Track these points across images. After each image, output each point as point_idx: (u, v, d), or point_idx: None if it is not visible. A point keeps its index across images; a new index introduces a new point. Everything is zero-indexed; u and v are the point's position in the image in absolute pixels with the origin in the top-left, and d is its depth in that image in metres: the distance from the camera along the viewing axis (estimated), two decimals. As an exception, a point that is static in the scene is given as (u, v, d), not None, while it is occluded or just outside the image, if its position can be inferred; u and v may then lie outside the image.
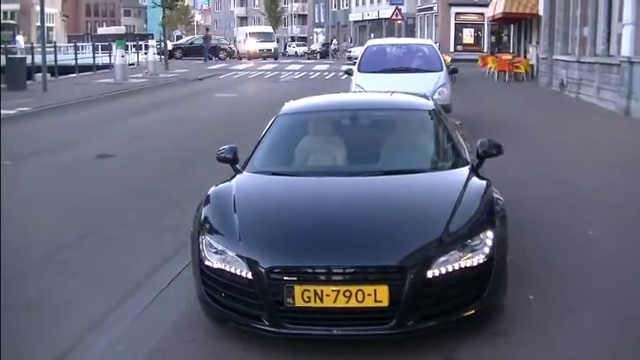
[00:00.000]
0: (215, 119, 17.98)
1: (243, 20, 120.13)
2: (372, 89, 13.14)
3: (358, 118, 6.54)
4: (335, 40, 76.52)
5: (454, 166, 5.82)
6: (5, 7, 52.63)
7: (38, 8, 36.32)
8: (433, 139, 6.33)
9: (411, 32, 60.13)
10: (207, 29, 66.30)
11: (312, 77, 35.36)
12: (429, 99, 7.49)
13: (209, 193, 5.48)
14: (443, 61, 15.83)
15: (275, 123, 6.46)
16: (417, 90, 13.80)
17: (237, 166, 6.01)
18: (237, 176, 5.79)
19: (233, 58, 57.04)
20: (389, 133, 6.26)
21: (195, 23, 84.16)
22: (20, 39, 47.37)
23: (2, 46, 28.34)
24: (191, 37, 66.48)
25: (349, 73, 15.73)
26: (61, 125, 17.87)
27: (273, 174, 5.78)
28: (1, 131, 14.48)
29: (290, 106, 6.80)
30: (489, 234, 4.80)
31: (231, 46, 62.59)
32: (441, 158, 6.10)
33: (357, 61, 15.80)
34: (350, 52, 54.31)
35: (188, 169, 11.38)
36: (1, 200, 8.73)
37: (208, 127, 16.28)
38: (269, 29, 67.91)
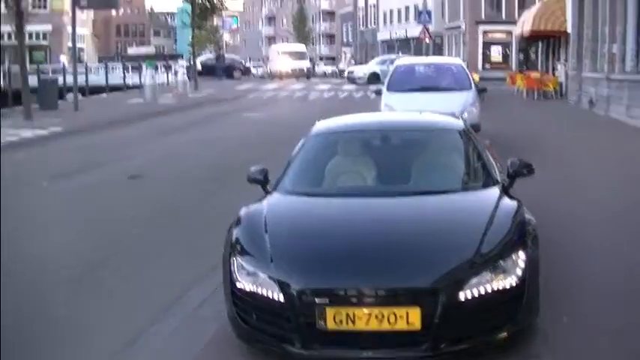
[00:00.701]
0: (245, 139, 17.98)
1: (272, 40, 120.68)
2: (402, 109, 13.18)
3: (389, 139, 6.52)
4: (352, 56, 76.62)
5: (485, 186, 5.77)
6: (37, 27, 53.29)
7: (70, 29, 36.91)
8: (463, 159, 6.30)
9: (438, 51, 60.02)
10: (220, 47, 66.17)
11: (341, 97, 35.24)
12: (458, 118, 7.46)
13: (240, 214, 5.48)
14: (472, 79, 15.77)
15: (305, 143, 6.44)
16: (445, 109, 13.76)
17: (268, 187, 6.00)
18: (268, 197, 5.77)
19: (262, 77, 57.42)
20: (419, 154, 6.23)
21: (224, 43, 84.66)
22: (64, 58, 47.91)
23: (34, 66, 28.70)
24: (204, 56, 66.37)
25: (378, 92, 15.72)
26: (92, 145, 18.01)
27: (304, 195, 5.75)
28: (34, 152, 14.63)
29: (320, 126, 6.77)
30: (521, 255, 4.76)
31: (247, 64, 63.16)
32: (472, 178, 6.06)
33: (387, 80, 15.78)
34: (352, 72, 49.73)
35: (219, 190, 11.38)
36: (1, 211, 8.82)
37: (238, 148, 16.26)
38: (302, 47, 65.74)
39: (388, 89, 15.12)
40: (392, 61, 43.77)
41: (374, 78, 43.11)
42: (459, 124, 6.91)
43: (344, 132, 6.70)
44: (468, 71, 16.28)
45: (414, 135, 6.57)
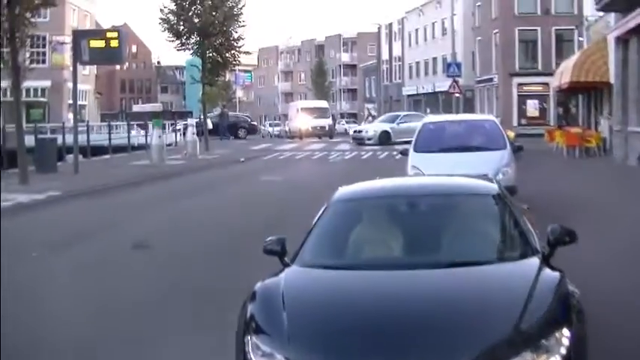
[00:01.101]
0: (260, 206, 17.94)
1: (288, 96, 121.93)
2: (430, 171, 13.22)
3: (417, 205, 6.49)
4: (370, 113, 76.91)
5: (523, 256, 5.71)
6: (36, 83, 54.05)
7: (70, 85, 37.43)
8: (499, 227, 6.25)
9: (469, 106, 60.33)
10: (224, 106, 66.60)
11: (363, 157, 35.35)
12: (492, 181, 7.46)
13: (255, 288, 5.45)
14: (506, 137, 15.80)
15: (327, 211, 6.42)
16: (478, 170, 13.72)
17: (286, 259, 5.96)
18: (286, 270, 5.73)
19: (279, 137, 57.81)
20: (450, 221, 6.21)
21: (237, 99, 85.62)
22: (71, 117, 48.57)
23: (30, 125, 29.06)
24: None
25: (404, 153, 15.76)
26: (92, 212, 18.06)
27: (325, 268, 5.72)
28: (29, 218, 14.68)
29: (343, 192, 6.76)
30: (565, 332, 4.69)
31: (253, 122, 63.76)
32: (508, 248, 6.01)
33: (414, 139, 15.84)
34: (360, 131, 47.27)
35: (232, 262, 11.29)
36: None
37: (253, 215, 16.22)
38: (323, 104, 64.92)
39: (415, 149, 15.18)
40: (406, 118, 43.99)
41: (385, 137, 42.85)
42: (493, 187, 6.89)
43: (368, 199, 6.69)
44: (501, 128, 16.32)
45: (444, 201, 6.55)
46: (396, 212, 6.45)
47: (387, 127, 44.24)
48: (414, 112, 53.30)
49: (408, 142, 16.83)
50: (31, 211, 17.87)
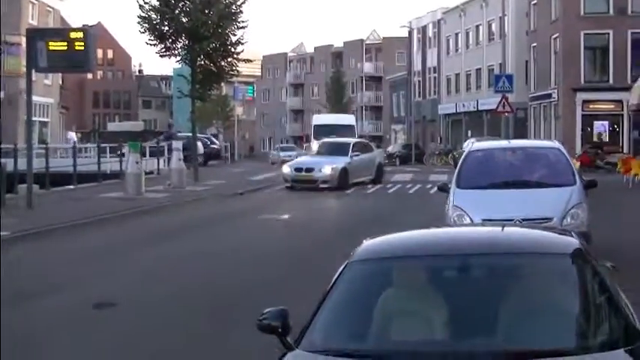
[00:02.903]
0: (259, 256, 17.66)
1: (298, 114, 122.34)
2: (479, 213, 13.09)
3: (467, 268, 6.02)
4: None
5: (616, 343, 5.28)
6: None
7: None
8: (580, 300, 5.79)
9: (521, 127, 60.21)
10: (170, 124, 65.08)
11: (390, 191, 35.32)
12: (569, 234, 6.89)
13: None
14: (575, 170, 15.30)
15: (345, 274, 6.00)
16: (541, 213, 13.41)
17: (289, 339, 5.58)
18: (288, 356, 5.38)
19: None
20: (513, 292, 5.78)
21: (236, 118, 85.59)
22: (74, 135, 48.35)
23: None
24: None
25: (443, 189, 15.31)
26: (48, 258, 17.72)
27: (342, 355, 5.31)
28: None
29: (367, 248, 6.32)
30: None
31: (214, 144, 63.12)
32: (594, 330, 5.56)
33: (456, 172, 15.33)
34: (310, 169, 35.80)
35: (220, 331, 11.01)
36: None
37: (249, 267, 16.02)
38: (348, 119, 62.27)
39: (458, 185, 14.73)
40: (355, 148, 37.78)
41: (345, 177, 35.39)
42: (572, 243, 6.41)
43: (401, 258, 6.22)
44: (569, 158, 15.86)
45: (505, 262, 6.09)
46: (439, 277, 6.05)
47: (342, 162, 35.83)
48: (361, 140, 46.16)
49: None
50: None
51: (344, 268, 6.05)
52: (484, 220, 12.94)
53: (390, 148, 79.65)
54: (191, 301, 12.97)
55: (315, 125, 59.54)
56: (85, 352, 10.08)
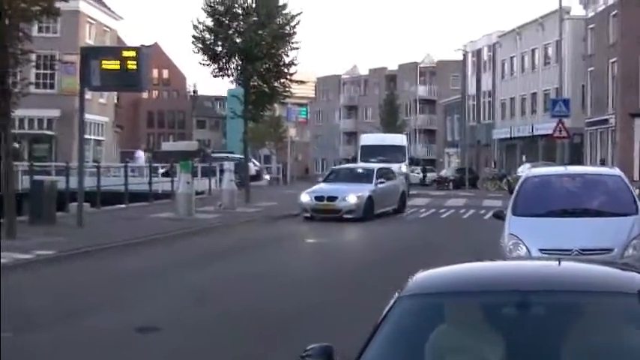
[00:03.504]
0: (308, 280, 17.45)
1: (351, 136, 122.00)
2: (536, 242, 12.73)
3: (525, 306, 5.53)
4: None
5: None
6: (42, 112, 54.51)
7: (86, 116, 37.21)
8: None
9: (576, 153, 59.40)
10: (207, 144, 64.24)
11: (443, 216, 34.90)
12: (633, 270, 6.42)
13: None
14: (637, 199, 14.71)
15: (395, 308, 5.55)
16: (600, 243, 12.96)
17: None
18: None
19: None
20: (574, 331, 5.34)
21: (289, 139, 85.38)
22: (142, 154, 48.20)
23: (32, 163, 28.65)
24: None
25: (499, 216, 14.83)
26: (93, 278, 17.59)
27: None
28: (6, 286, 14.02)
29: (418, 281, 5.83)
30: None
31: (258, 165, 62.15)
32: None
33: (512, 198, 14.85)
34: (333, 198, 32.01)
35: (269, 356, 10.73)
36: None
37: (298, 291, 15.74)
38: (399, 139, 56.82)
39: (515, 212, 14.22)
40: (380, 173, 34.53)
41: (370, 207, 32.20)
42: (637, 280, 5.88)
43: (454, 293, 5.76)
44: (630, 186, 15.27)
45: (565, 299, 5.61)
46: (496, 315, 5.55)
47: (367, 190, 32.56)
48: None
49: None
50: (12, 274, 17.20)
51: (394, 303, 5.63)
52: (541, 249, 12.52)
53: (443, 172, 79.07)
54: (237, 326, 12.65)
55: (362, 146, 54.30)
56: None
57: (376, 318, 5.51)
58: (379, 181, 33.54)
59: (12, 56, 21.59)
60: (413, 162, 51.96)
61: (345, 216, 31.09)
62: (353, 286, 16.22)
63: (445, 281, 5.95)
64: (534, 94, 73.45)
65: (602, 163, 55.25)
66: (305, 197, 32.31)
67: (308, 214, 31.65)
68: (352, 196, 31.60)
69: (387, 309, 5.59)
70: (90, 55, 25.42)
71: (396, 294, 5.68)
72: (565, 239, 12.62)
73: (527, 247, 12.87)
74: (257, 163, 67.09)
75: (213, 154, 57.97)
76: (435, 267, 6.13)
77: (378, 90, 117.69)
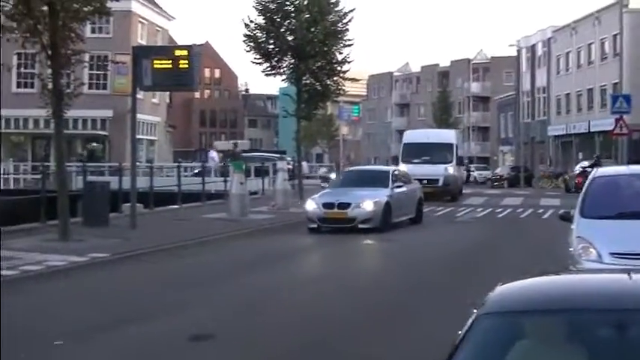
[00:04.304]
0: (363, 285, 16.96)
1: (403, 134, 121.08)
2: (605, 245, 12.18)
3: (623, 326, 4.95)
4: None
5: None
6: (95, 113, 54.58)
7: (139, 116, 37.04)
8: None
9: (635, 150, 58.24)
10: (236, 144, 59.93)
11: (500, 216, 34.28)
12: None
13: None
14: None
15: (475, 328, 5.03)
16: None
17: None
18: None
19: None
20: None
21: (341, 137, 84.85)
22: (216, 155, 47.75)
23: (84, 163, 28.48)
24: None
25: (565, 217, 14.19)
26: (147, 282, 17.35)
27: None
28: (59, 289, 13.73)
29: (500, 297, 5.28)
30: None
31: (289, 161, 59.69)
32: None
33: (580, 199, 14.22)
34: (346, 205, 27.19)
35: None
36: None
37: (354, 298, 15.24)
38: (447, 136, 49.65)
39: (582, 214, 13.56)
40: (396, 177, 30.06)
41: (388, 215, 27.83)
42: None
43: (540, 312, 5.19)
44: None
45: None
46: (588, 336, 5.03)
47: (383, 196, 27.80)
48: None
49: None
50: (65, 278, 17.11)
51: (474, 321, 5.12)
52: (612, 253, 11.92)
53: (498, 170, 78.11)
54: (288, 331, 12.23)
55: (404, 144, 47.25)
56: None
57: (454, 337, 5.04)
58: (396, 185, 29.12)
59: (64, 57, 21.44)
60: (461, 162, 46.02)
61: (361, 226, 26.38)
62: (407, 291, 15.74)
63: (528, 298, 5.41)
64: (591, 89, 72.23)
65: None
66: (310, 205, 27.59)
67: (314, 225, 26.91)
68: (369, 202, 26.96)
69: (465, 328, 5.09)
70: (142, 54, 25.21)
71: (475, 311, 5.19)
72: (638, 242, 12.02)
73: (597, 251, 12.26)
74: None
75: (245, 154, 56.79)
76: (513, 280, 5.63)
77: (430, 87, 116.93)
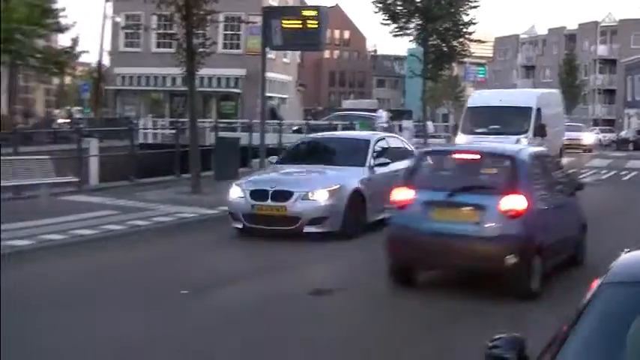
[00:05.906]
0: None
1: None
2: None
3: None
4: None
5: None
6: (229, 72, 54.82)
7: (270, 75, 37.03)
8: None
9: None
10: (273, 107, 51.30)
11: (625, 178, 33.04)
12: None
13: None
14: None
15: (598, 297, 4.63)
16: None
17: None
18: None
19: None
20: None
21: (466, 99, 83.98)
22: (384, 114, 47.58)
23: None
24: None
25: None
26: (275, 238, 16.16)
27: None
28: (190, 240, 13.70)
29: (625, 266, 4.85)
30: None
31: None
32: None
33: None
34: None
35: None
36: None
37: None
38: (524, 98, 33.60)
39: None
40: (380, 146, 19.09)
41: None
42: None
43: None
44: None
45: None
46: None
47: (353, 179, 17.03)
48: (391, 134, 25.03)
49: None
50: (193, 230, 17.07)
51: (596, 290, 4.74)
52: None
53: (623, 133, 75.93)
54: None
55: (468, 108, 33.62)
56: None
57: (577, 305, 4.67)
58: (378, 162, 17.90)
59: (197, 17, 21.49)
60: (541, 131, 30.38)
61: (307, 229, 16.00)
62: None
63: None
64: None
65: None
66: (235, 192, 16.77)
67: (239, 225, 16.45)
68: (321, 191, 16.29)
69: (588, 297, 4.71)
70: (272, 15, 25.12)
71: (599, 280, 4.81)
72: None
73: None
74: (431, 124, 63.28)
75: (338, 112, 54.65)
76: (639, 248, 5.21)
77: (556, 50, 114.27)
